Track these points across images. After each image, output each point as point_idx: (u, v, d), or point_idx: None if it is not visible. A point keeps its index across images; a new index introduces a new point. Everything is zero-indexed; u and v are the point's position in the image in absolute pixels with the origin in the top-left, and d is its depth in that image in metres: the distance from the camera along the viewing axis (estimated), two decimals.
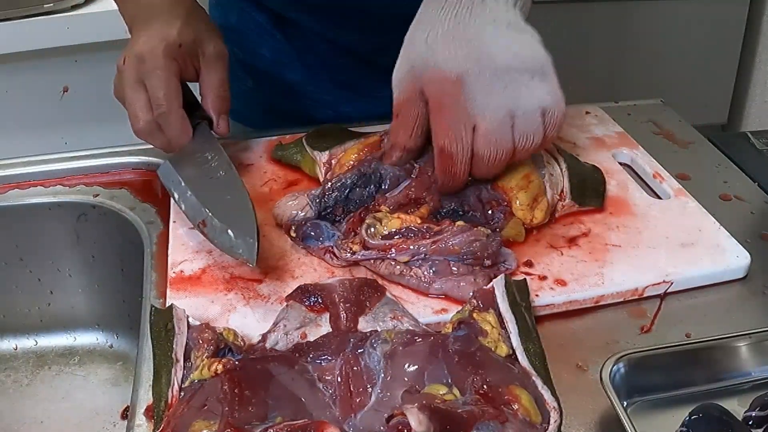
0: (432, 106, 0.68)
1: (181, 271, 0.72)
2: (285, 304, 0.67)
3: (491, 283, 0.66)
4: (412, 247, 0.68)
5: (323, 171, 0.81)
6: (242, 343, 0.63)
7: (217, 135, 0.81)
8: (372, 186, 0.74)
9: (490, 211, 0.73)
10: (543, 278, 0.71)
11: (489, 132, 0.67)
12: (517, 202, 0.74)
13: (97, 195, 0.86)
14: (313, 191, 0.75)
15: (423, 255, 0.68)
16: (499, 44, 0.66)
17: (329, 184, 0.75)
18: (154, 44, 0.75)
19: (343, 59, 0.96)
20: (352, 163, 0.78)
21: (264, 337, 0.64)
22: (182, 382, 0.60)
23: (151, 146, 0.80)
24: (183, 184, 0.75)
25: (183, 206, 0.75)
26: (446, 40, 0.66)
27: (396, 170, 0.75)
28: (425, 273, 0.67)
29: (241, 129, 1.05)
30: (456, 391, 0.56)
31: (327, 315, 0.66)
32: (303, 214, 0.74)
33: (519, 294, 0.66)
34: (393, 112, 0.72)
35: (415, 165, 0.75)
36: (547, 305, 0.69)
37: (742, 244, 0.74)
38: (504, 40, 0.66)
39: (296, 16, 0.95)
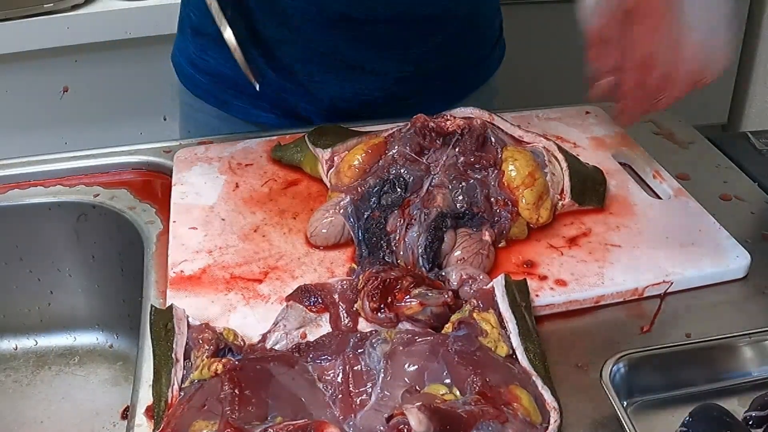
0: (642, 12, 0.64)
1: (181, 271, 0.72)
2: (285, 304, 0.67)
3: (491, 283, 0.66)
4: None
5: (326, 168, 0.81)
6: (242, 343, 0.63)
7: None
8: (399, 189, 0.75)
9: (497, 209, 0.74)
10: (543, 278, 0.71)
11: (696, 48, 0.65)
12: (523, 201, 0.74)
13: (97, 195, 0.86)
14: (341, 203, 0.75)
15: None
16: None
17: (357, 196, 0.75)
18: None
19: (280, 35, 0.96)
20: (358, 163, 0.78)
21: (264, 337, 0.64)
22: (182, 382, 0.60)
23: (151, 146, 0.80)
24: None
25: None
26: None
27: (416, 171, 0.76)
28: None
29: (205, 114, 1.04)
30: (456, 391, 0.56)
31: (327, 315, 0.66)
32: (346, 233, 0.75)
33: (519, 294, 0.66)
34: (595, 37, 0.67)
35: (430, 164, 0.76)
36: (547, 305, 0.69)
37: (742, 244, 0.74)
38: None
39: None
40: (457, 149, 0.77)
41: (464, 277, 0.68)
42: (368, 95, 0.98)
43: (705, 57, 0.66)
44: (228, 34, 0.72)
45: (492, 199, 0.75)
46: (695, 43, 0.65)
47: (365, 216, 0.74)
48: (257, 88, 0.72)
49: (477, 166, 0.76)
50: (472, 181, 0.75)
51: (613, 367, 0.58)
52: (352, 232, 0.74)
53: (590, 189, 0.79)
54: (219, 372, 0.58)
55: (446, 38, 0.98)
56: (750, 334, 0.63)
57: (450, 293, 0.64)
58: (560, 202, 0.78)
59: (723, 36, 0.66)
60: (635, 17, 0.66)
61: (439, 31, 0.97)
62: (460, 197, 0.74)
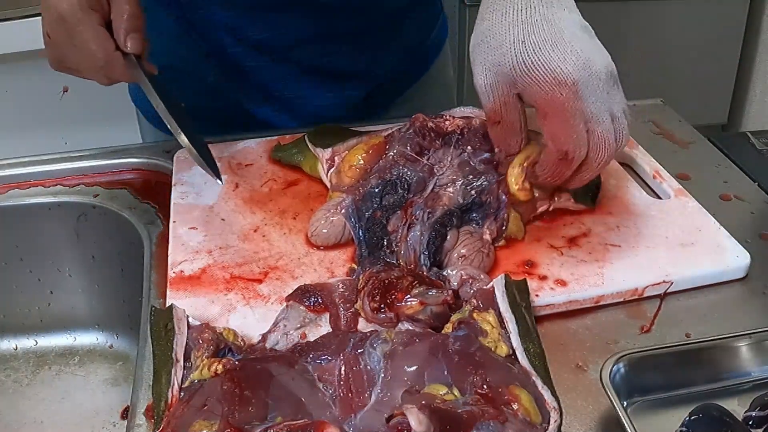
0: (546, 110, 0.67)
1: (181, 271, 0.72)
2: (285, 304, 0.67)
3: (491, 283, 0.66)
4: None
5: (326, 168, 0.81)
6: (242, 343, 0.63)
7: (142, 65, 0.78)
8: (401, 190, 0.75)
9: (501, 193, 0.74)
10: (543, 278, 0.71)
11: (603, 136, 0.67)
12: (513, 171, 0.74)
13: (97, 195, 0.86)
14: (342, 203, 0.75)
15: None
16: (590, 49, 0.67)
17: (358, 196, 0.75)
18: (70, 1, 0.73)
19: (254, 61, 0.96)
20: (359, 164, 0.78)
21: (264, 337, 0.64)
22: (182, 382, 0.60)
23: (152, 146, 0.80)
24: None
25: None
26: (548, 44, 0.65)
27: (418, 171, 0.76)
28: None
29: (163, 136, 1.00)
30: (456, 391, 0.56)
31: (327, 315, 0.66)
32: (347, 233, 0.75)
33: (519, 294, 0.66)
34: (490, 118, 0.71)
35: (434, 165, 0.76)
36: (547, 305, 0.69)
37: (742, 244, 0.74)
38: (590, 45, 0.67)
39: (207, 14, 0.94)
40: (468, 147, 0.77)
41: (464, 277, 0.68)
42: (356, 98, 0.99)
43: (612, 144, 0.68)
44: (182, 138, 0.74)
45: (500, 183, 0.74)
46: (603, 132, 0.67)
47: (366, 216, 0.74)
48: (221, 183, 0.76)
49: (489, 155, 0.76)
50: (486, 171, 0.75)
51: (613, 367, 0.58)
52: (352, 232, 0.74)
53: (583, 187, 0.79)
54: (219, 372, 0.58)
55: (414, 22, 1.01)
56: (750, 334, 0.63)
57: (450, 292, 0.64)
58: (556, 198, 0.77)
59: (625, 121, 0.69)
60: (539, 112, 0.68)
61: (406, 18, 1.00)
62: (472, 188, 0.74)
